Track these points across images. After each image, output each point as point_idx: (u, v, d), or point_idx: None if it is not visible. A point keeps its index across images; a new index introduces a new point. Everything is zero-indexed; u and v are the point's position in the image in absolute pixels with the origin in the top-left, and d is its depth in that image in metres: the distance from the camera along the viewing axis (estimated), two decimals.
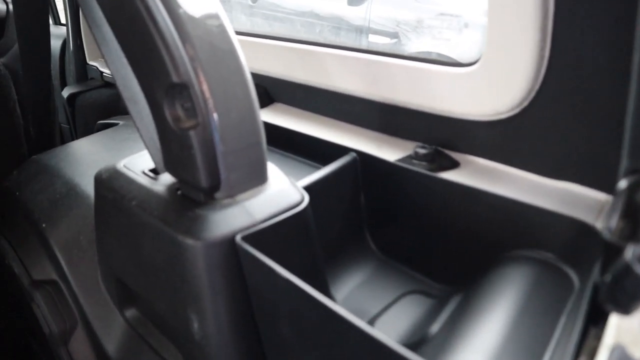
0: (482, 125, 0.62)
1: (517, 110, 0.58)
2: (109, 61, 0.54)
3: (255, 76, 0.95)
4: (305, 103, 0.88)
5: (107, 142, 0.99)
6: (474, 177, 0.61)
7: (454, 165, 0.64)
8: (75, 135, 1.48)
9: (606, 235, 0.30)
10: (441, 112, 0.66)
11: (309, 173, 0.62)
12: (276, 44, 0.89)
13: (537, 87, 0.55)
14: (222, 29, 0.45)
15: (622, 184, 0.30)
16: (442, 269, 0.61)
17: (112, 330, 0.67)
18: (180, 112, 0.47)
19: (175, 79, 0.44)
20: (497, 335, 0.42)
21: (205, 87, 0.45)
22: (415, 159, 0.65)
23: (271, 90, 0.94)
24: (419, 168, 0.61)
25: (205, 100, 0.45)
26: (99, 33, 0.53)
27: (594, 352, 0.32)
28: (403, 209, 0.64)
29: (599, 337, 0.33)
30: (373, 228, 0.69)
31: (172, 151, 0.50)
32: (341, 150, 0.67)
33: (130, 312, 0.65)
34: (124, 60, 0.51)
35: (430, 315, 0.56)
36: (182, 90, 0.46)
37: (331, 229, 0.66)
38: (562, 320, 0.42)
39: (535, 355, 0.39)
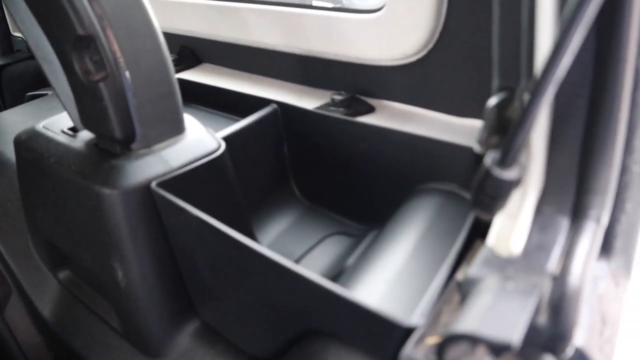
0: (394, 70, 0.65)
1: (423, 53, 0.60)
2: (19, 21, 0.54)
3: (182, 38, 0.94)
4: (230, 61, 0.89)
5: (34, 111, 0.97)
6: (388, 120, 0.64)
7: (369, 110, 0.67)
8: (4, 108, 1.44)
9: (476, 148, 0.33)
10: (355, 60, 0.68)
11: None
12: (198, 2, 0.88)
13: (439, 28, 0.58)
14: None
15: (492, 100, 0.33)
16: (361, 209, 0.65)
17: (47, 294, 0.67)
18: (89, 65, 0.47)
19: (80, 31, 0.45)
20: (401, 258, 0.45)
21: (111, 38, 0.45)
22: (333, 105, 0.67)
23: (198, 51, 0.94)
24: (337, 114, 0.64)
25: (112, 52, 0.45)
26: None
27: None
28: (324, 155, 0.66)
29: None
30: (297, 176, 0.71)
31: (87, 106, 0.50)
32: (263, 103, 0.68)
33: (63, 274, 0.66)
34: (34, 19, 0.50)
35: (349, 252, 0.59)
36: (89, 43, 0.46)
37: (256, 179, 0.67)
38: (460, 238, 0.45)
39: (433, 269, 0.42)
